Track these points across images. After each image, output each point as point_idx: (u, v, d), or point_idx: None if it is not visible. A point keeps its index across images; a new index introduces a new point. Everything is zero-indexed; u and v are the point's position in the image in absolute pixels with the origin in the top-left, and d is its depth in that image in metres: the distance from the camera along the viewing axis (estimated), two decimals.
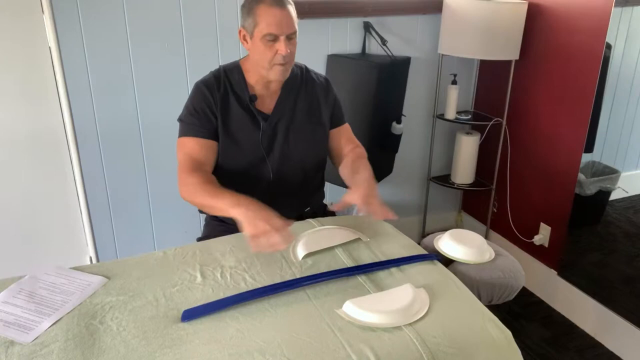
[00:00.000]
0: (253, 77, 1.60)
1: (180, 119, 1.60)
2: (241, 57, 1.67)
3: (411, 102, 2.63)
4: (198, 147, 1.57)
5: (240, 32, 1.56)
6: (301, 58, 1.68)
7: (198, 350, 1.08)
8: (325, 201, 1.86)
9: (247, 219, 1.30)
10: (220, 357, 1.06)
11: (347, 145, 1.73)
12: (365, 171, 1.56)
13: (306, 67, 1.72)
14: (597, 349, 2.20)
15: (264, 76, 1.57)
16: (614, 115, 2.21)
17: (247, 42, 1.55)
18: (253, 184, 1.64)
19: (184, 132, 1.58)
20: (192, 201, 1.51)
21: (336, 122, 1.73)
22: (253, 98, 1.59)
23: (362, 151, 1.73)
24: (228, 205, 1.36)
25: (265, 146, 1.61)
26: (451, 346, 1.11)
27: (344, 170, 1.64)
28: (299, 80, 1.67)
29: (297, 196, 1.71)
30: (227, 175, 1.63)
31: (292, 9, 1.51)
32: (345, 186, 1.54)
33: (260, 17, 1.48)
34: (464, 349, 1.12)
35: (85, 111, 2.11)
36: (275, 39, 1.49)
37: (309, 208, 1.75)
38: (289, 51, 1.50)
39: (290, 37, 1.51)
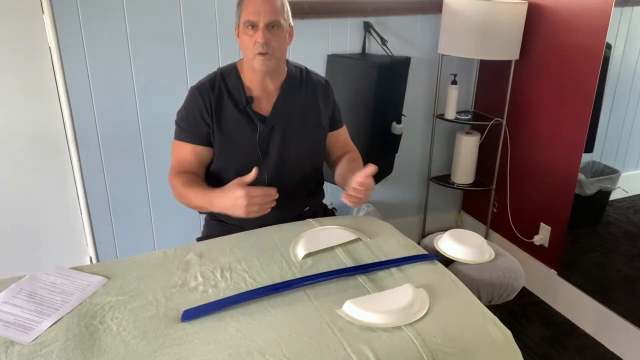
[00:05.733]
0: (248, 77, 1.60)
1: (175, 122, 1.63)
2: (241, 56, 1.67)
3: (411, 102, 2.63)
4: (188, 153, 1.60)
5: (235, 29, 1.58)
6: (301, 58, 1.68)
7: (198, 350, 1.08)
8: (325, 201, 1.86)
9: (231, 202, 1.39)
10: (220, 357, 1.06)
11: (344, 148, 1.76)
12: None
13: (307, 69, 1.71)
14: (597, 349, 2.20)
15: (253, 69, 1.56)
16: (614, 115, 2.21)
17: (238, 37, 1.56)
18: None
19: (177, 135, 1.62)
20: (183, 203, 1.57)
21: (335, 125, 1.74)
22: (249, 100, 1.59)
23: (357, 155, 1.76)
24: (208, 203, 1.46)
25: (262, 148, 1.61)
26: (451, 346, 1.11)
27: (339, 170, 1.67)
28: (298, 82, 1.66)
29: (295, 197, 1.71)
30: (224, 178, 1.63)
31: (279, 0, 1.51)
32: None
33: (243, 6, 1.51)
34: (464, 349, 1.12)
35: (85, 111, 2.11)
36: (254, 26, 1.49)
37: (308, 207, 1.75)
38: (264, 40, 1.48)
39: (272, 26, 1.49)
